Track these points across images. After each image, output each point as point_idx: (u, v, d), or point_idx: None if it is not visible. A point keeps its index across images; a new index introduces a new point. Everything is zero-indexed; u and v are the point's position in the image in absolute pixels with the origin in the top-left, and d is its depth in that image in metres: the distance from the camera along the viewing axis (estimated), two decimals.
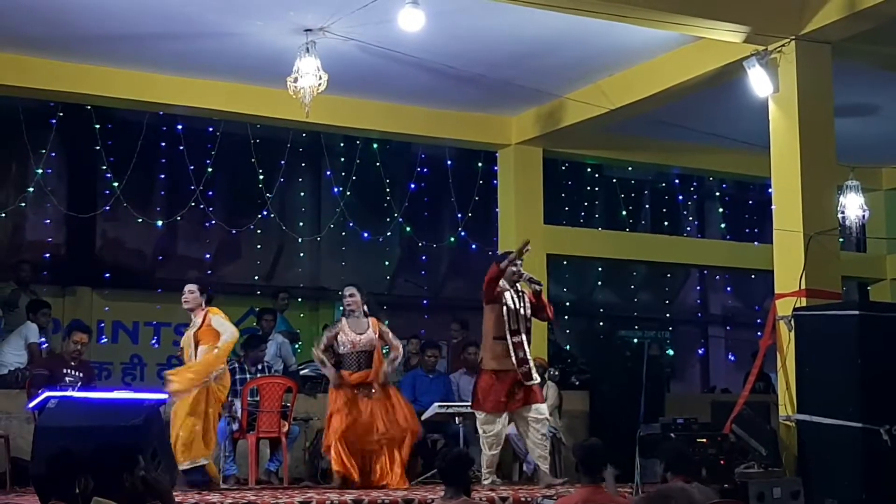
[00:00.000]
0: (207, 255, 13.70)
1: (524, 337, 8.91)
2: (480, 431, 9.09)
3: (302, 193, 14.06)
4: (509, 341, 8.81)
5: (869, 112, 11.51)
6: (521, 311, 8.95)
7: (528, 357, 8.89)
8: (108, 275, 13.15)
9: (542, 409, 9.03)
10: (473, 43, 9.76)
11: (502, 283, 8.93)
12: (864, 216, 11.82)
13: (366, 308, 9.03)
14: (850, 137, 10.34)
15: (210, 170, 12.22)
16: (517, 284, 9.05)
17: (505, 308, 8.86)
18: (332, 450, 8.72)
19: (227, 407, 9.78)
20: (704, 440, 8.50)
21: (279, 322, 12.17)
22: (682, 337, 17.32)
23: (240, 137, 12.30)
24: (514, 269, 8.93)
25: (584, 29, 9.27)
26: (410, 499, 7.59)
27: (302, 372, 11.22)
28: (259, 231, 13.47)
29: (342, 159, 13.49)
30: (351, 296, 9.06)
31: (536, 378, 8.97)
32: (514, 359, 8.78)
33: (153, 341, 13.38)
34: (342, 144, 13.49)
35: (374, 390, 8.85)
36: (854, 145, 11.04)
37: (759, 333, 11.24)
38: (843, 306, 8.74)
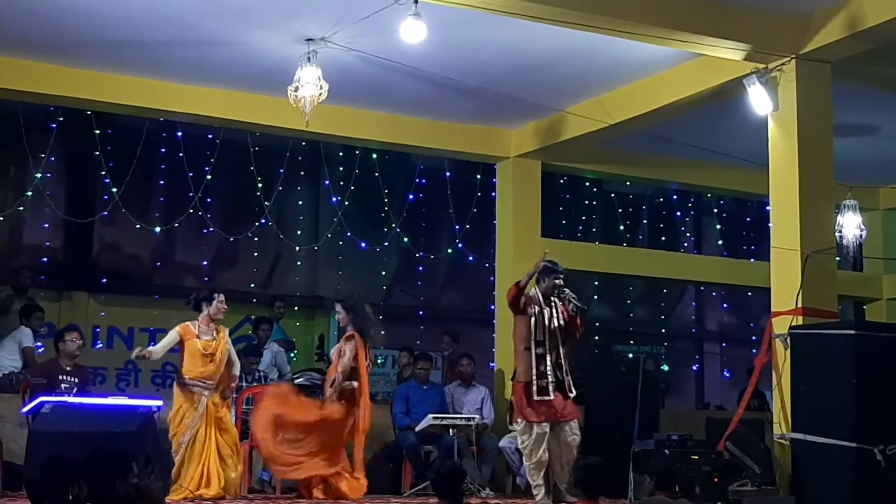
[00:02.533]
0: (204, 262, 13.68)
1: (552, 350, 8.68)
2: (518, 443, 8.94)
3: (300, 202, 14.05)
4: (532, 352, 8.64)
5: (868, 132, 11.53)
6: (553, 325, 8.75)
7: (550, 371, 8.62)
8: (104, 280, 13.13)
9: (574, 429, 8.72)
10: (474, 56, 9.78)
11: (535, 293, 8.79)
12: (861, 235, 11.83)
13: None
14: (848, 157, 10.37)
15: (209, 177, 12.21)
16: (552, 298, 8.84)
17: (533, 319, 8.69)
18: None
19: None
20: (698, 457, 8.49)
21: (275, 331, 12.16)
22: (677, 353, 17.30)
23: (239, 145, 12.30)
24: (556, 282, 8.79)
25: (585, 44, 9.29)
26: None
27: (297, 381, 11.18)
28: (256, 239, 13.45)
29: (341, 169, 13.49)
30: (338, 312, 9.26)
31: (552, 396, 8.62)
32: (533, 371, 8.59)
33: (149, 347, 13.33)
34: (341, 154, 13.48)
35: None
36: (852, 165, 11.07)
37: (754, 351, 11.26)
38: (840, 325, 8.75)
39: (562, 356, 8.71)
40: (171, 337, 8.77)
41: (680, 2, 8.62)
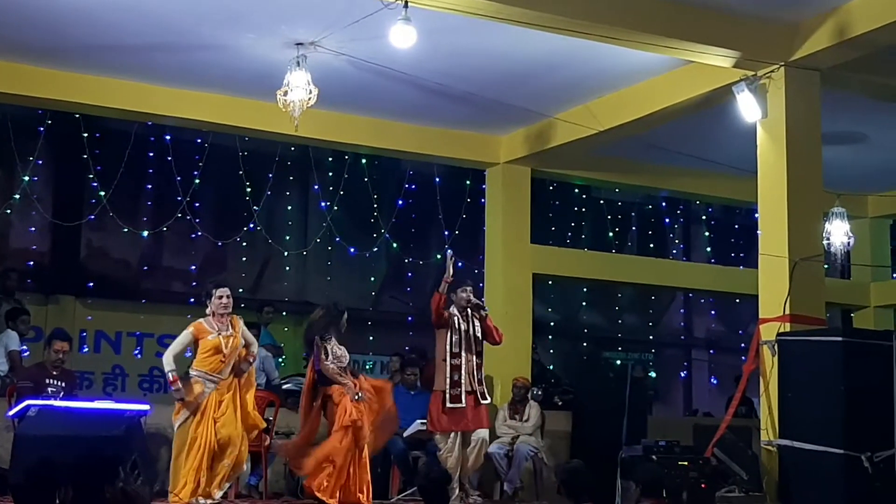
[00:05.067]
0: (193, 267, 13.65)
1: (467, 359, 9.19)
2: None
3: (289, 207, 14.04)
4: (448, 363, 9.16)
5: (856, 140, 11.56)
6: (471, 334, 9.28)
7: (465, 380, 9.13)
8: (91, 284, 13.09)
9: (479, 435, 9.26)
10: (464, 61, 9.79)
11: (452, 309, 9.31)
12: (849, 243, 11.85)
13: None
14: (836, 165, 10.39)
15: (197, 181, 12.18)
16: (467, 310, 9.36)
17: (450, 331, 9.23)
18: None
19: None
20: (686, 463, 8.50)
21: (263, 336, 12.11)
22: (665, 360, 17.32)
23: (228, 149, 12.27)
24: (464, 295, 9.34)
25: (574, 50, 9.30)
26: None
27: (284, 386, 11.18)
28: (245, 244, 13.43)
29: (330, 174, 13.47)
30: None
31: (464, 404, 9.08)
32: (447, 381, 9.12)
33: (136, 352, 13.32)
34: (330, 159, 13.47)
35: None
36: (840, 173, 11.10)
37: (742, 358, 11.27)
38: (827, 332, 8.76)
39: (475, 366, 9.24)
40: (183, 339, 8.50)
41: (669, 8, 8.63)
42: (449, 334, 9.20)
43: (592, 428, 11.07)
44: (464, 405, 9.12)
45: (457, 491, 9.11)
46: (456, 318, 9.27)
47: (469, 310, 9.37)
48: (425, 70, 9.80)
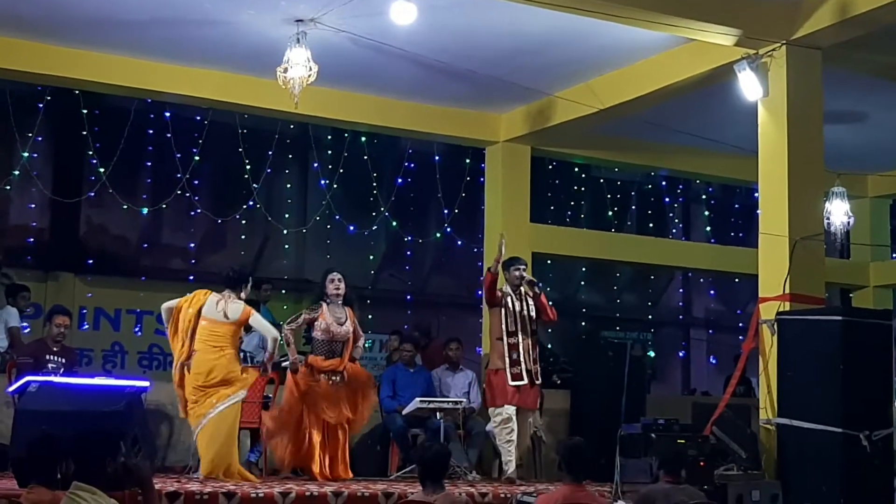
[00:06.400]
0: (192, 244, 13.67)
1: (523, 339, 9.19)
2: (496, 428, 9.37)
3: (288, 185, 14.04)
4: (505, 342, 9.15)
5: (857, 119, 11.55)
6: (525, 313, 9.24)
7: (523, 358, 9.16)
8: (91, 261, 13.11)
9: (531, 417, 9.35)
10: (465, 39, 9.75)
11: (505, 287, 9.30)
12: (849, 223, 11.85)
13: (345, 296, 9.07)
14: (837, 144, 10.38)
15: (197, 158, 12.18)
16: (521, 288, 9.33)
17: (504, 311, 9.20)
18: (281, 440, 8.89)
19: None
20: (685, 441, 8.51)
21: (262, 313, 12.11)
22: (664, 339, 17.36)
23: (228, 127, 12.26)
24: (517, 273, 9.32)
25: (575, 28, 9.27)
26: (390, 492, 7.57)
27: (284, 364, 11.17)
28: (244, 221, 13.44)
29: (330, 152, 13.47)
30: (340, 280, 9.04)
31: (526, 381, 9.14)
32: (507, 359, 9.12)
33: (135, 329, 13.35)
34: (330, 137, 13.46)
35: (341, 378, 8.90)
36: (841, 152, 11.09)
37: (741, 337, 11.29)
38: (827, 311, 8.77)
39: (530, 344, 9.25)
40: (264, 323, 8.86)
41: None
42: (503, 314, 9.18)
43: (591, 406, 11.08)
44: (526, 382, 9.15)
45: (513, 466, 9.21)
46: (509, 298, 9.25)
47: (522, 288, 9.34)
48: (425, 47, 9.77)
